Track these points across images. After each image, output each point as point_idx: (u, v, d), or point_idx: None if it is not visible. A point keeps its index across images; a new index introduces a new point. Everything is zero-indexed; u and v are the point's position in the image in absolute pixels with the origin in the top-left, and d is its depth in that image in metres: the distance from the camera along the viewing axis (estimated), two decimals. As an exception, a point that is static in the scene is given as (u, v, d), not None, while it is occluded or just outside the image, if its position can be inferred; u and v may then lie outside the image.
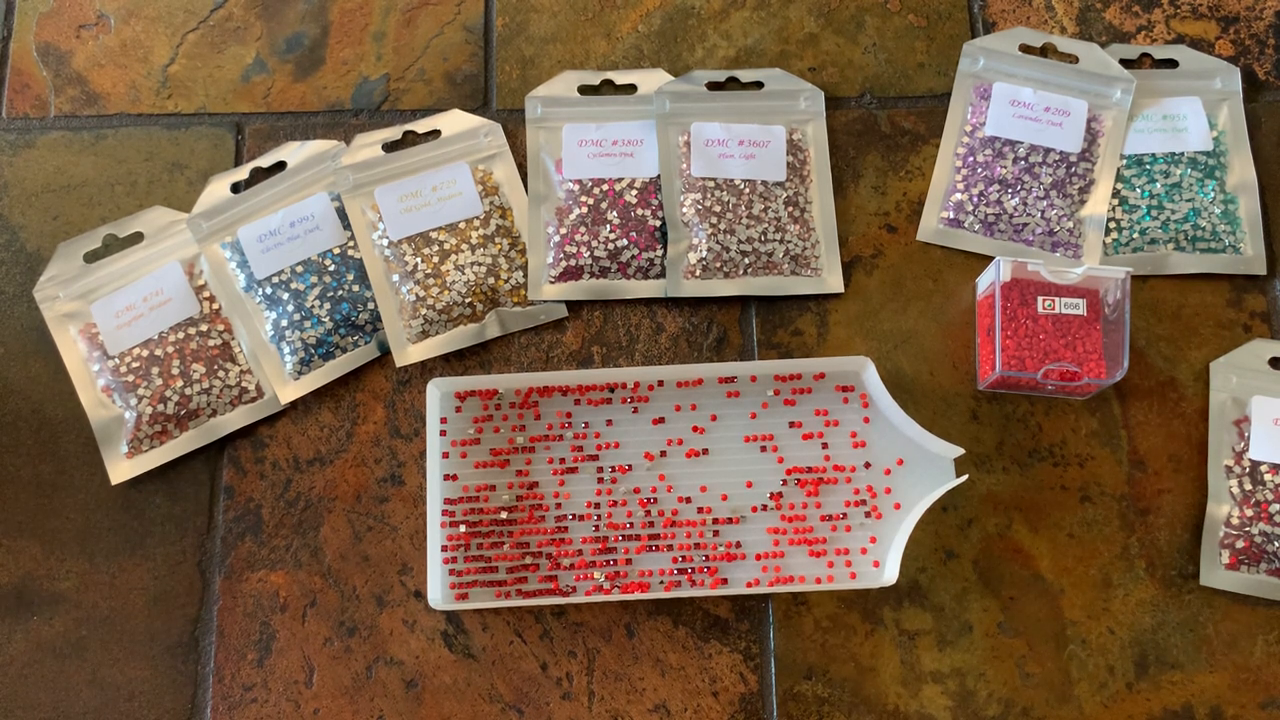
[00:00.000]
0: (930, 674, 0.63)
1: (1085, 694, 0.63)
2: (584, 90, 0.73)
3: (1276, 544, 0.63)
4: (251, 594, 0.64)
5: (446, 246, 0.69)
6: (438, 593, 0.61)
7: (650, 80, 0.73)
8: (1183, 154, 0.71)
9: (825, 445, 0.65)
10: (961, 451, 0.62)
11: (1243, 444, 0.65)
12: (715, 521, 0.64)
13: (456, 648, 0.64)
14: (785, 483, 0.64)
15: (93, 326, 0.67)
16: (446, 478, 0.64)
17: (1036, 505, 0.65)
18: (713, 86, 0.73)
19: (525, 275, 0.69)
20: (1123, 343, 0.63)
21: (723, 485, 0.64)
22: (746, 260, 0.69)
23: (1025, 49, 0.73)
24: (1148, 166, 0.70)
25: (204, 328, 0.68)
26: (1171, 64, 0.73)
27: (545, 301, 0.69)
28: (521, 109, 0.73)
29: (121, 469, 0.66)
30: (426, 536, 0.63)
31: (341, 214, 0.70)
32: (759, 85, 0.73)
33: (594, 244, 0.69)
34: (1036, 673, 0.63)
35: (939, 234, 0.70)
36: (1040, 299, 0.64)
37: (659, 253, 0.69)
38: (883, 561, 0.63)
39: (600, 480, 0.64)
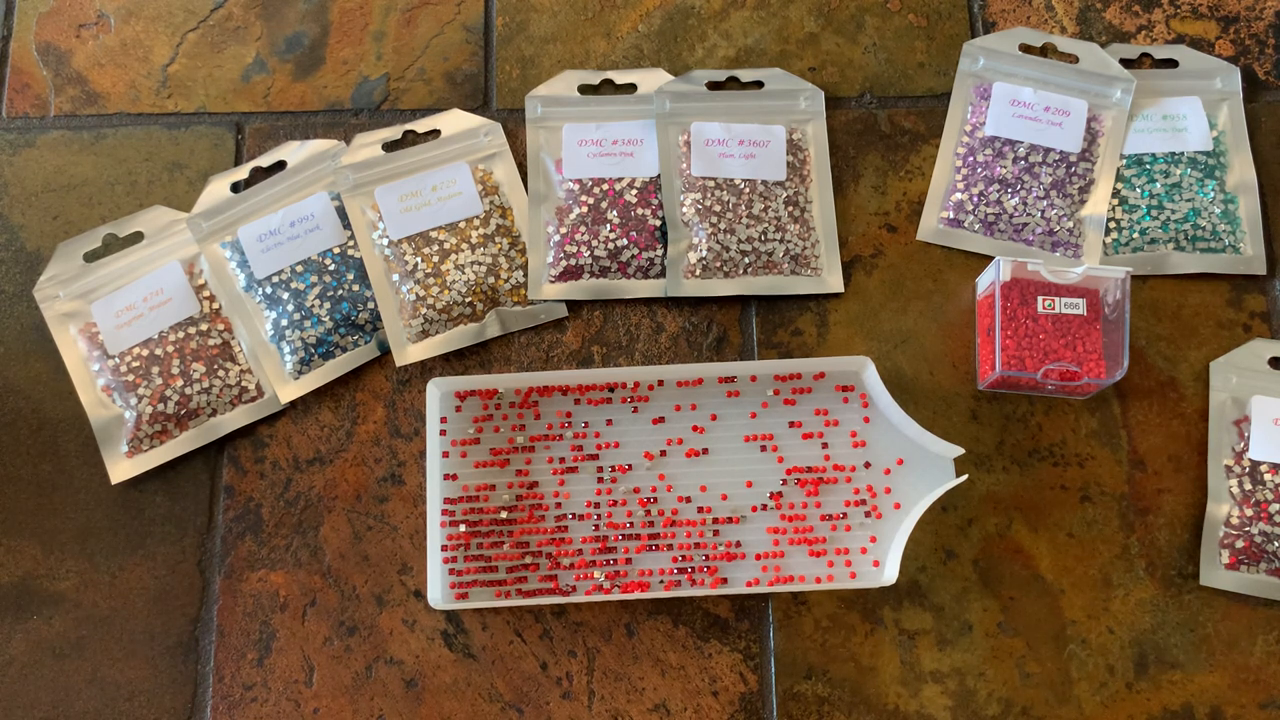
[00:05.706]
0: (930, 674, 0.63)
1: (1085, 694, 0.63)
2: (584, 90, 0.73)
3: (1276, 544, 0.63)
4: (251, 593, 0.64)
5: (446, 246, 0.68)
6: (438, 592, 0.61)
7: (650, 80, 0.73)
8: (1183, 154, 0.70)
9: (825, 445, 0.65)
10: (961, 451, 0.62)
11: (1243, 444, 0.65)
12: (715, 521, 0.64)
13: (456, 647, 0.64)
14: (785, 482, 0.64)
15: (93, 326, 0.67)
16: (446, 477, 0.64)
17: (1036, 505, 0.65)
18: (713, 86, 0.73)
19: (525, 275, 0.69)
20: (1123, 343, 0.63)
21: (723, 485, 0.64)
22: (746, 260, 0.69)
23: (1025, 49, 0.73)
24: (1148, 166, 0.70)
25: (204, 327, 0.68)
26: (1171, 64, 0.73)
27: (545, 301, 0.69)
28: (521, 109, 0.73)
29: (121, 468, 0.66)
30: (426, 536, 0.63)
31: (341, 213, 0.70)
32: (759, 85, 0.73)
33: (594, 244, 0.69)
34: (1036, 672, 0.63)
35: (939, 234, 0.70)
36: (1040, 299, 0.64)
37: (659, 252, 0.69)
38: (883, 561, 0.63)
39: (600, 480, 0.64)
